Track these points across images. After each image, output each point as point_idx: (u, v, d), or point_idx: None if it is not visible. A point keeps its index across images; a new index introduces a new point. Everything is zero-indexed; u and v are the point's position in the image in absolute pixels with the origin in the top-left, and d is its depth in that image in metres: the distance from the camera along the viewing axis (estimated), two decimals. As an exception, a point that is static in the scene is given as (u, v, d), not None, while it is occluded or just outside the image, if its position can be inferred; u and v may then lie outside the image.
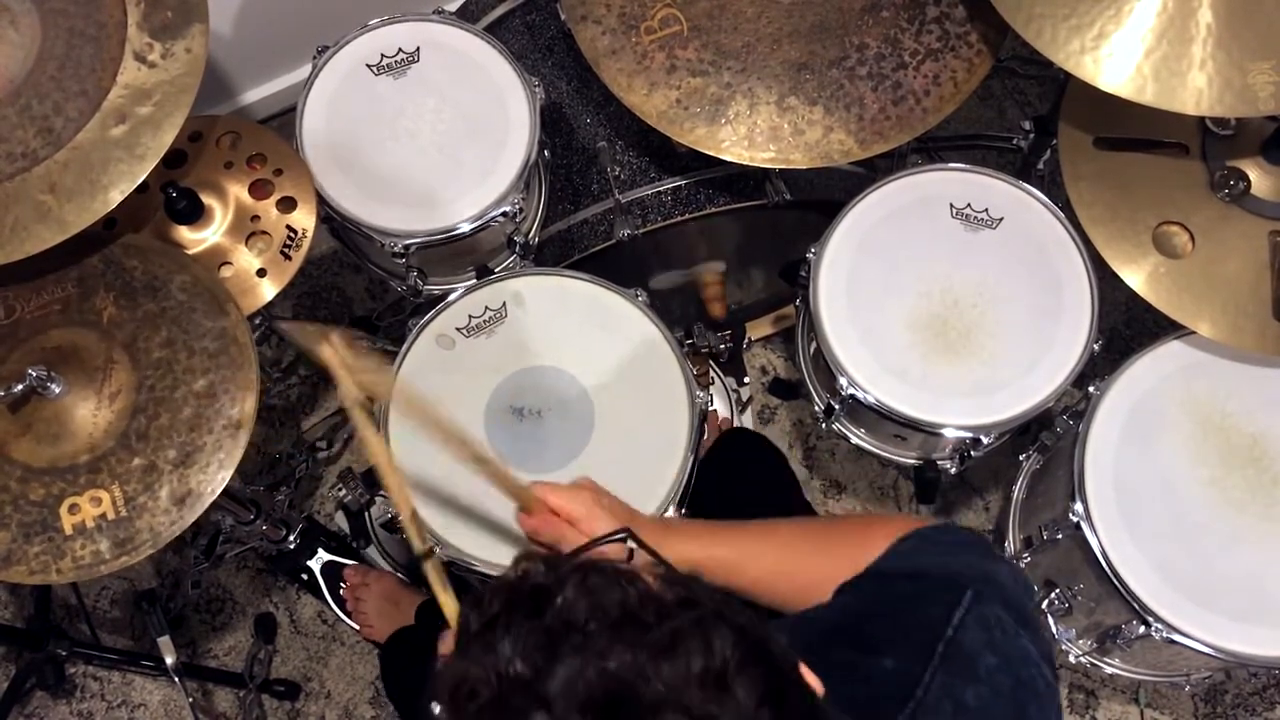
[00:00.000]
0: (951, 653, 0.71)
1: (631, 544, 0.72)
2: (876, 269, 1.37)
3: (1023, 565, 1.52)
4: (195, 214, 1.37)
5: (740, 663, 0.51)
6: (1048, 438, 1.46)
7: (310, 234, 1.39)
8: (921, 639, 0.72)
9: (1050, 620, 1.48)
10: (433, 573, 0.92)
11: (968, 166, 1.43)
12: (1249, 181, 1.30)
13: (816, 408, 1.49)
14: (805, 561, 0.92)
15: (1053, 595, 1.43)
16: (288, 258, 1.38)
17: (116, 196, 1.17)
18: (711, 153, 1.36)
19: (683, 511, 1.30)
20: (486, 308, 1.38)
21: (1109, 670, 1.49)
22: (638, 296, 1.38)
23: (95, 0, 1.20)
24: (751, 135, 1.35)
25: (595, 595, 0.53)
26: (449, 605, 0.92)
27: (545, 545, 0.96)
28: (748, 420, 1.98)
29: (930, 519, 0.91)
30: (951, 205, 1.39)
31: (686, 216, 1.51)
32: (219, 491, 1.18)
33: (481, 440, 1.31)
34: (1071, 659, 1.50)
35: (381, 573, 1.87)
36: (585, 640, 0.51)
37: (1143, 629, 1.26)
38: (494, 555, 1.26)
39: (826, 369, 1.37)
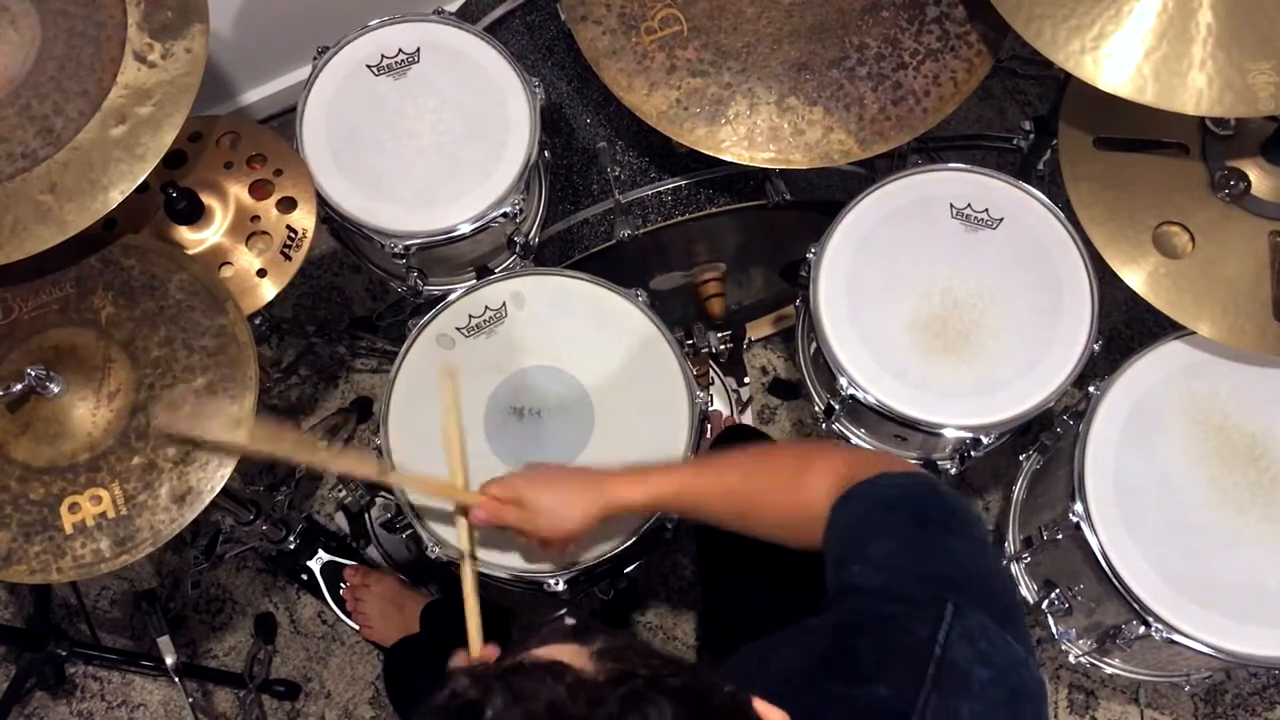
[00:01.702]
0: (943, 673, 0.71)
1: (570, 620, 0.73)
2: (876, 269, 1.37)
3: (1023, 565, 1.52)
4: (195, 214, 1.37)
5: None
6: (1048, 438, 1.46)
7: (310, 234, 1.39)
8: (911, 662, 0.72)
9: (1050, 620, 1.48)
10: (468, 578, 1.03)
11: (968, 166, 1.43)
12: (1249, 182, 1.30)
13: (816, 408, 1.49)
14: (742, 497, 1.00)
15: (1052, 595, 1.43)
16: (288, 258, 1.38)
17: (116, 197, 1.17)
18: (711, 153, 1.36)
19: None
20: (486, 308, 1.38)
21: (1109, 670, 1.49)
22: (638, 296, 1.38)
23: (95, 0, 1.20)
24: (751, 135, 1.35)
25: (523, 699, 0.53)
26: (473, 616, 1.02)
27: (502, 528, 1.11)
28: (748, 420, 1.98)
29: (870, 457, 0.95)
30: (951, 205, 1.39)
31: (686, 216, 1.51)
32: (219, 489, 1.18)
33: (480, 442, 1.31)
34: (1071, 659, 1.50)
35: (382, 573, 1.87)
36: None
37: (1143, 629, 1.26)
38: (494, 555, 1.26)
39: (826, 369, 1.37)
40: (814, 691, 0.73)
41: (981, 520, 0.85)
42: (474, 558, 1.14)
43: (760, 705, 0.60)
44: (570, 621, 0.72)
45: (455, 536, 1.18)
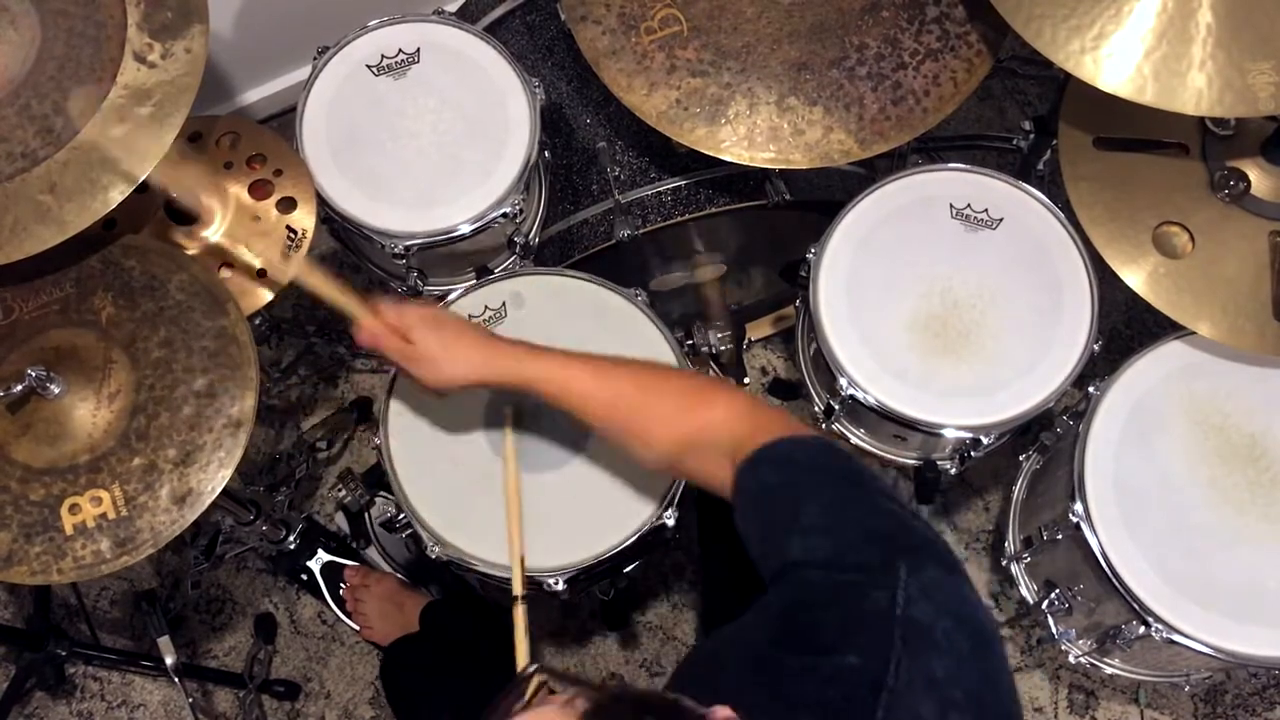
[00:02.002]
0: (909, 633, 0.71)
1: (540, 676, 0.72)
2: (876, 269, 1.37)
3: (1023, 565, 1.52)
4: (195, 214, 1.37)
5: None
6: (1048, 438, 1.46)
7: (310, 234, 1.39)
8: (876, 628, 0.72)
9: (1050, 620, 1.48)
10: (519, 619, 1.04)
11: (968, 167, 1.43)
12: (1249, 182, 1.30)
13: (816, 408, 1.49)
14: (627, 404, 1.01)
15: (1053, 595, 1.43)
16: (288, 258, 1.38)
17: (116, 197, 1.17)
18: (711, 153, 1.36)
19: (680, 514, 1.30)
20: (486, 308, 1.38)
21: (1109, 670, 1.49)
22: (638, 296, 1.38)
23: (95, 0, 1.20)
24: (751, 135, 1.35)
25: None
26: (522, 654, 1.02)
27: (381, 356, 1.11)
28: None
29: (762, 411, 0.96)
30: (951, 205, 1.39)
31: (686, 216, 1.51)
32: (219, 490, 1.18)
33: (479, 441, 1.31)
34: (1071, 659, 1.50)
35: (382, 574, 1.87)
36: None
37: (1143, 629, 1.26)
38: (494, 555, 1.26)
39: (826, 369, 1.37)
40: (782, 670, 0.74)
41: (876, 474, 0.86)
42: (524, 599, 1.15)
43: (722, 712, 0.61)
44: (536, 680, 0.71)
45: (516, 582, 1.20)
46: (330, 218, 1.45)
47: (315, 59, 1.48)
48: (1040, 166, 1.67)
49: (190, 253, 1.37)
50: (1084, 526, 1.28)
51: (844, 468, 0.86)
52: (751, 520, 0.87)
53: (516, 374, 1.06)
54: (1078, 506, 1.29)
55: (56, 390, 1.19)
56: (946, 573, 0.76)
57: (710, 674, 0.81)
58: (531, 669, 0.70)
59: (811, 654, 0.73)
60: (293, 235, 1.38)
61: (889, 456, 1.50)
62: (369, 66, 1.48)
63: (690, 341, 1.73)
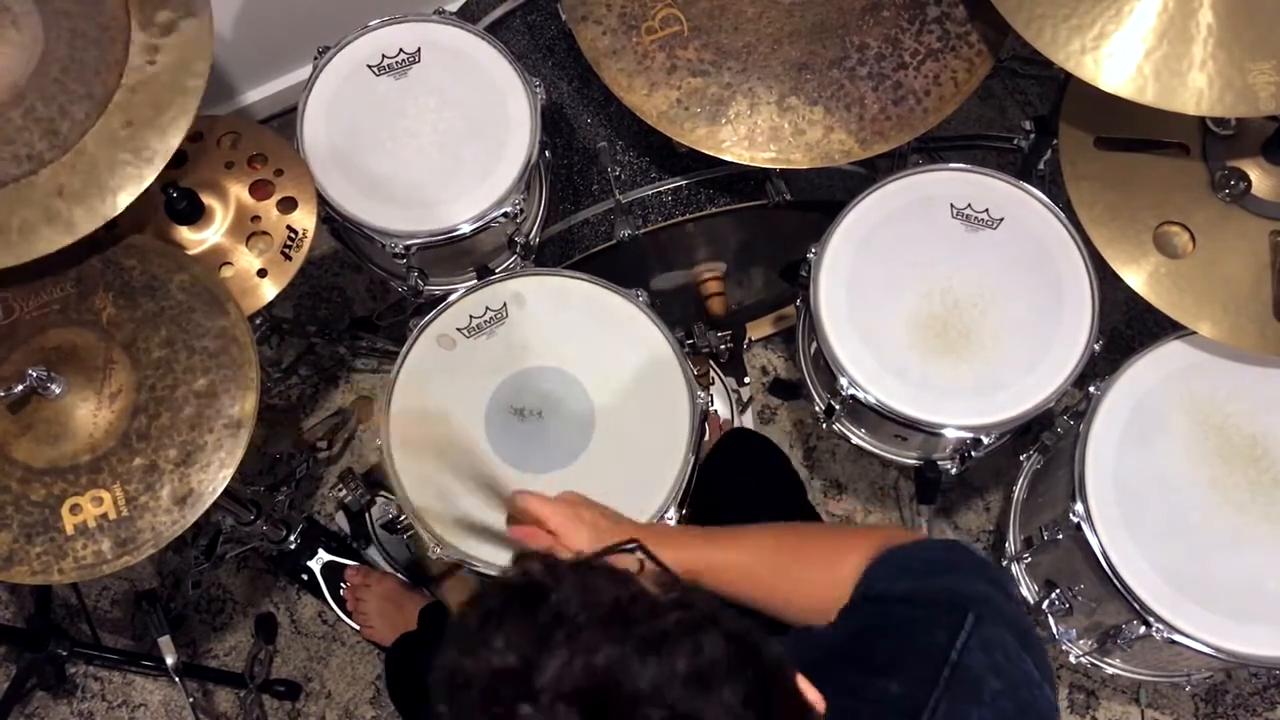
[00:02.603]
0: (956, 677, 0.71)
1: (641, 555, 0.73)
2: (877, 269, 1.37)
3: (1023, 565, 1.52)
4: (196, 214, 1.37)
5: (729, 665, 0.52)
6: (1048, 438, 1.46)
7: (311, 234, 1.39)
8: (926, 663, 0.72)
9: (1050, 620, 1.48)
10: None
11: (968, 166, 1.43)
12: (1249, 181, 1.31)
13: (817, 408, 1.49)
14: (775, 573, 0.95)
15: (1053, 595, 1.43)
16: (288, 258, 1.38)
17: (125, 199, 1.16)
18: (712, 153, 1.36)
19: (683, 513, 1.30)
20: (487, 308, 1.38)
21: (1109, 670, 1.49)
22: (638, 297, 1.38)
23: (98, 1, 1.20)
24: (752, 135, 1.35)
25: (589, 592, 0.54)
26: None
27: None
28: (748, 420, 1.98)
29: (905, 533, 0.92)
30: (952, 205, 1.39)
31: (687, 216, 1.51)
32: (220, 490, 1.18)
33: (480, 442, 1.31)
34: (1072, 659, 1.50)
35: (382, 573, 1.87)
36: (574, 634, 0.52)
37: (1143, 629, 1.26)
38: (494, 555, 1.26)
39: (827, 369, 1.37)
40: (825, 678, 0.74)
41: (1010, 580, 0.84)
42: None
43: (802, 680, 0.60)
44: (640, 555, 0.73)
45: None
46: (331, 217, 1.45)
47: (316, 59, 1.48)
48: (1041, 166, 1.67)
49: (191, 253, 1.37)
50: (1084, 526, 1.28)
51: (968, 563, 0.84)
52: (869, 583, 0.85)
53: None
54: (1078, 506, 1.29)
55: (57, 390, 1.19)
56: (1019, 644, 0.74)
57: None
58: (631, 546, 0.72)
59: (860, 673, 0.73)
60: (293, 235, 1.38)
61: (889, 456, 1.50)
62: (370, 66, 1.48)
63: (690, 341, 1.73)
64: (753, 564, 0.97)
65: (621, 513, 1.06)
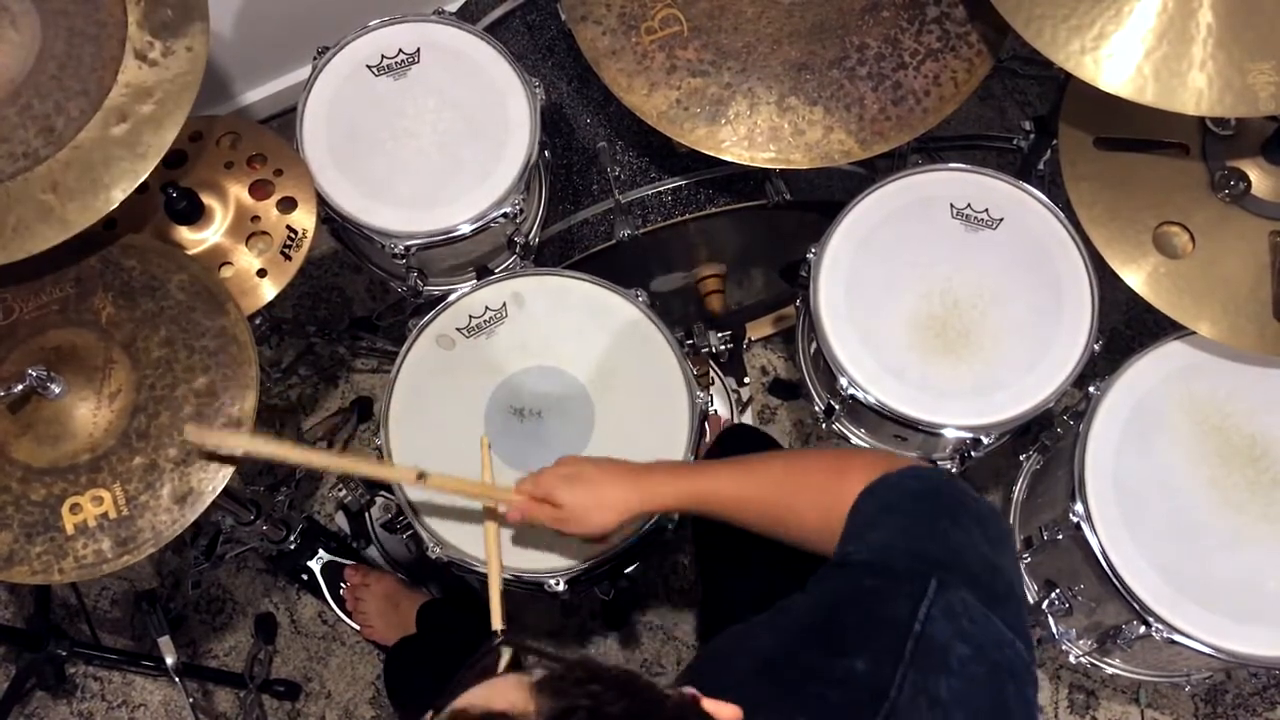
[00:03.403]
0: (921, 648, 0.71)
1: (507, 652, 0.72)
2: (877, 269, 1.37)
3: (1023, 565, 1.52)
4: (195, 214, 1.37)
5: None
6: (1048, 438, 1.46)
7: (310, 234, 1.39)
8: (890, 637, 0.72)
9: (1050, 620, 1.48)
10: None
11: (968, 167, 1.43)
12: (1249, 182, 1.31)
13: (817, 408, 1.49)
14: (778, 496, 0.97)
15: (1053, 595, 1.43)
16: (288, 258, 1.38)
17: (119, 195, 1.17)
18: (712, 153, 1.36)
19: (679, 515, 1.30)
20: (487, 308, 1.38)
21: (1109, 670, 1.49)
22: (638, 296, 1.38)
23: None
24: (752, 135, 1.35)
25: None
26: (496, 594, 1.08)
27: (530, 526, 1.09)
28: (748, 420, 1.98)
29: (901, 458, 0.93)
30: (951, 205, 1.39)
31: (686, 216, 1.51)
32: (220, 490, 1.18)
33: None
34: (1071, 659, 1.50)
35: (382, 573, 1.87)
36: None
37: (1143, 629, 1.26)
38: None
39: (827, 369, 1.37)
40: (793, 665, 0.74)
41: (998, 521, 0.84)
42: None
43: (710, 704, 0.60)
44: (506, 653, 0.71)
45: (475, 533, 1.19)
46: (330, 218, 1.45)
47: (315, 59, 1.48)
48: (1040, 166, 1.67)
49: (191, 253, 1.37)
50: (1084, 526, 1.28)
51: (951, 501, 0.85)
52: (846, 537, 0.86)
53: (668, 499, 1.05)
54: (1078, 506, 1.29)
55: (57, 390, 1.19)
56: (985, 604, 0.74)
57: (718, 668, 0.81)
58: (498, 641, 0.69)
59: (826, 653, 0.73)
60: (293, 235, 1.38)
61: (889, 456, 1.50)
62: (369, 66, 1.48)
63: (690, 341, 1.73)
64: (758, 490, 0.99)
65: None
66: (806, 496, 0.94)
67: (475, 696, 0.58)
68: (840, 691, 0.70)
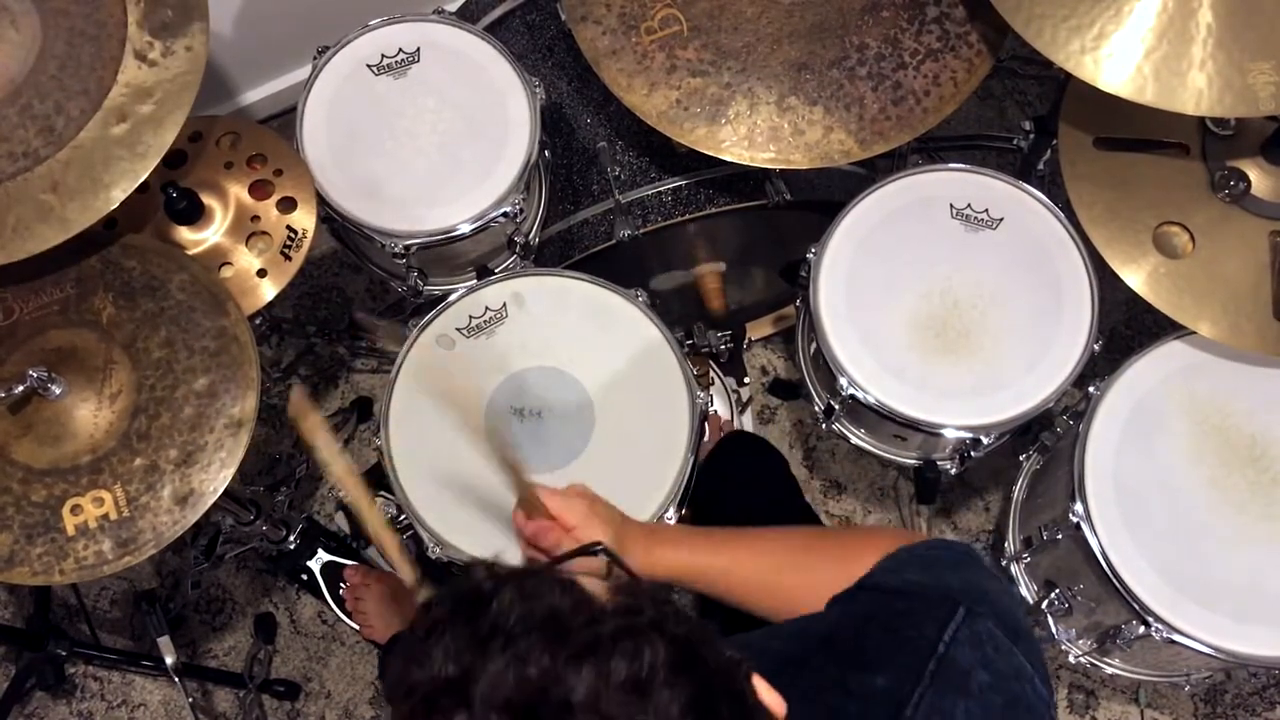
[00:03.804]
0: (943, 670, 0.71)
1: (605, 558, 0.73)
2: (877, 269, 1.37)
3: (1023, 565, 1.52)
4: (195, 214, 1.37)
5: (669, 671, 0.52)
6: (1048, 438, 1.46)
7: (310, 234, 1.39)
8: (913, 656, 0.72)
9: (1050, 620, 1.48)
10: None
11: (968, 167, 1.43)
12: (1249, 182, 1.31)
13: (816, 408, 1.49)
14: (791, 575, 0.93)
15: (1053, 595, 1.43)
16: (288, 258, 1.38)
17: (119, 195, 1.17)
18: (712, 153, 1.36)
19: (683, 512, 1.30)
20: (487, 308, 1.38)
21: (1109, 670, 1.49)
22: (638, 296, 1.38)
23: None
24: (752, 135, 1.35)
25: (528, 600, 0.54)
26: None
27: (539, 550, 0.99)
28: (748, 420, 1.98)
29: (919, 533, 0.91)
30: (951, 205, 1.39)
31: (686, 216, 1.51)
32: (221, 490, 1.18)
33: (482, 440, 1.31)
34: (1071, 659, 1.50)
35: (382, 573, 1.87)
36: (510, 643, 0.52)
37: (1143, 629, 1.26)
38: (492, 555, 1.25)
39: (827, 369, 1.37)
40: (813, 673, 0.74)
41: (1017, 598, 0.83)
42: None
43: (759, 682, 0.60)
44: (604, 557, 0.74)
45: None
46: (330, 217, 1.45)
47: (315, 59, 1.48)
48: (1040, 166, 1.67)
49: (191, 253, 1.37)
50: (1084, 526, 1.28)
51: (976, 561, 0.84)
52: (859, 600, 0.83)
53: (673, 570, 0.96)
54: (1078, 506, 1.29)
55: (57, 391, 1.19)
56: (1010, 637, 0.74)
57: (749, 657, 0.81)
58: (600, 546, 0.72)
59: (846, 666, 0.73)
60: (293, 235, 1.38)
61: (889, 456, 1.50)
62: (369, 66, 1.48)
63: (690, 341, 1.73)
64: (762, 566, 0.95)
65: (625, 512, 1.04)
66: (820, 575, 0.88)
67: (563, 566, 0.58)
68: (857, 704, 0.70)
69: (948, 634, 0.72)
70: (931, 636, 0.72)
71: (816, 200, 1.54)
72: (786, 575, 0.93)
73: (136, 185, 1.17)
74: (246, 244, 1.39)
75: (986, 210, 1.39)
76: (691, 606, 1.86)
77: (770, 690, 0.61)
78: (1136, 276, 1.30)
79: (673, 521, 1.28)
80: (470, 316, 1.38)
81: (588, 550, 0.74)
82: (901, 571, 0.83)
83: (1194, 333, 1.30)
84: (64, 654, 1.67)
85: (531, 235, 1.55)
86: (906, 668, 0.71)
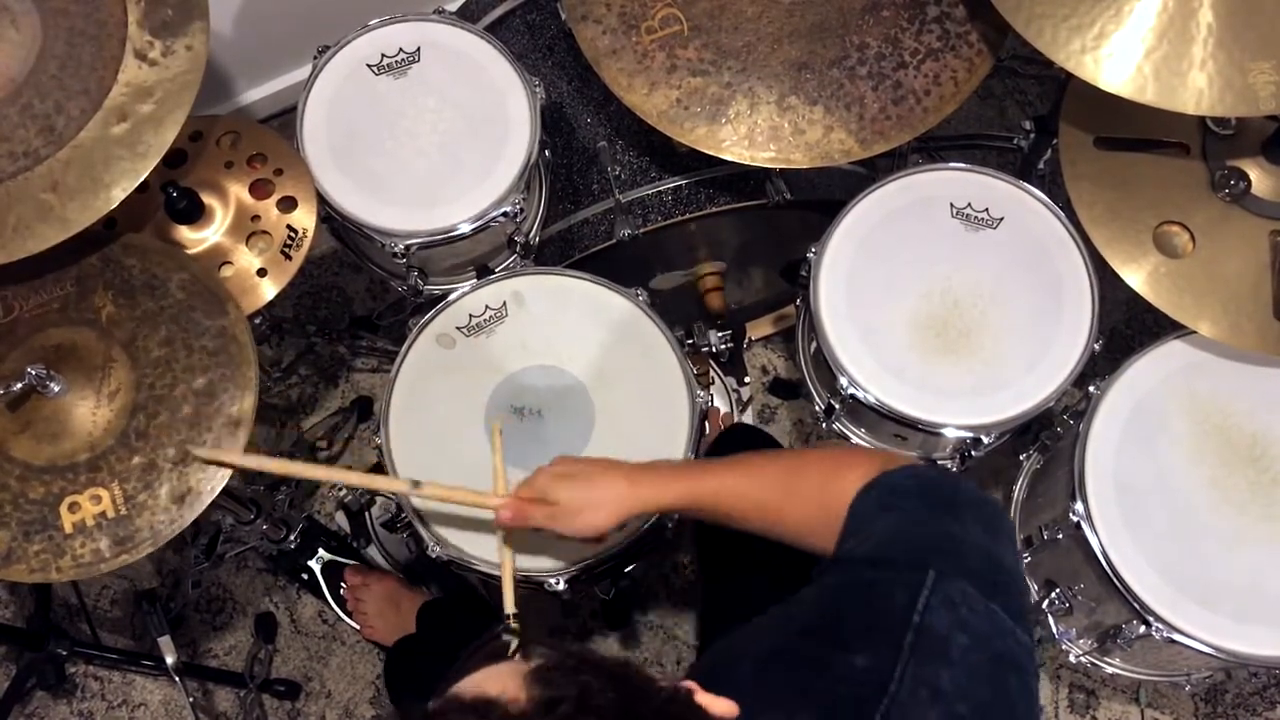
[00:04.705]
0: (921, 641, 0.71)
1: (512, 639, 0.73)
2: (877, 269, 1.37)
3: (1023, 565, 1.52)
4: (195, 214, 1.37)
5: None
6: (1048, 437, 1.46)
7: (310, 234, 1.39)
8: (889, 631, 0.72)
9: (1050, 620, 1.48)
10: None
11: (968, 166, 1.42)
12: (1249, 181, 1.30)
13: (817, 407, 1.49)
14: (778, 495, 0.96)
15: (1053, 595, 1.43)
16: (288, 257, 1.38)
17: (119, 195, 1.17)
18: (712, 152, 1.36)
19: (679, 515, 1.30)
20: (487, 307, 1.38)
21: (1109, 670, 1.48)
22: (638, 296, 1.38)
23: (96, -1, 1.21)
24: (752, 135, 1.35)
25: None
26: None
27: (527, 529, 1.06)
28: (748, 420, 1.98)
29: (900, 457, 0.92)
30: (952, 205, 1.39)
31: (687, 216, 1.51)
32: (219, 490, 1.18)
33: (482, 440, 1.31)
34: (1071, 659, 1.50)
35: (382, 573, 1.87)
36: None
37: (1143, 629, 1.26)
38: (494, 555, 1.26)
39: (827, 368, 1.37)
40: (798, 663, 0.74)
41: (999, 515, 0.84)
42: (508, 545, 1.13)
43: (704, 697, 0.60)
44: (506, 639, 0.73)
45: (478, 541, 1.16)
46: (330, 217, 1.45)
47: (315, 58, 1.48)
48: (1041, 166, 1.67)
49: (191, 252, 1.37)
50: (1084, 526, 1.28)
51: (949, 496, 0.84)
52: (845, 534, 0.85)
53: (665, 499, 1.02)
54: (1078, 506, 1.29)
55: (56, 388, 1.19)
56: (985, 594, 0.74)
57: (722, 666, 0.81)
58: (501, 628, 0.69)
59: (827, 648, 0.73)
60: (293, 235, 1.38)
61: (889, 456, 1.50)
62: (369, 66, 1.48)
63: (690, 341, 1.73)
64: (756, 490, 0.97)
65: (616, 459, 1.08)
66: (805, 495, 0.93)
67: (470, 683, 0.58)
68: (842, 687, 0.70)
69: (920, 602, 0.72)
70: (904, 607, 0.72)
71: (817, 200, 1.54)
72: (773, 496, 0.96)
73: (137, 184, 1.17)
74: (246, 243, 1.39)
75: (987, 210, 1.38)
76: (691, 564, 1.86)
77: (716, 699, 0.61)
78: (1137, 276, 1.30)
79: (672, 524, 1.28)
80: (470, 315, 1.38)
81: (493, 638, 0.73)
82: (874, 521, 0.84)
83: (1194, 332, 1.30)
84: (64, 653, 1.67)
85: (532, 235, 1.55)
86: (884, 644, 0.71)
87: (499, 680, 0.57)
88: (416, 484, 1.09)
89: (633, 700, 0.55)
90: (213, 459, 1.16)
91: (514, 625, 0.79)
